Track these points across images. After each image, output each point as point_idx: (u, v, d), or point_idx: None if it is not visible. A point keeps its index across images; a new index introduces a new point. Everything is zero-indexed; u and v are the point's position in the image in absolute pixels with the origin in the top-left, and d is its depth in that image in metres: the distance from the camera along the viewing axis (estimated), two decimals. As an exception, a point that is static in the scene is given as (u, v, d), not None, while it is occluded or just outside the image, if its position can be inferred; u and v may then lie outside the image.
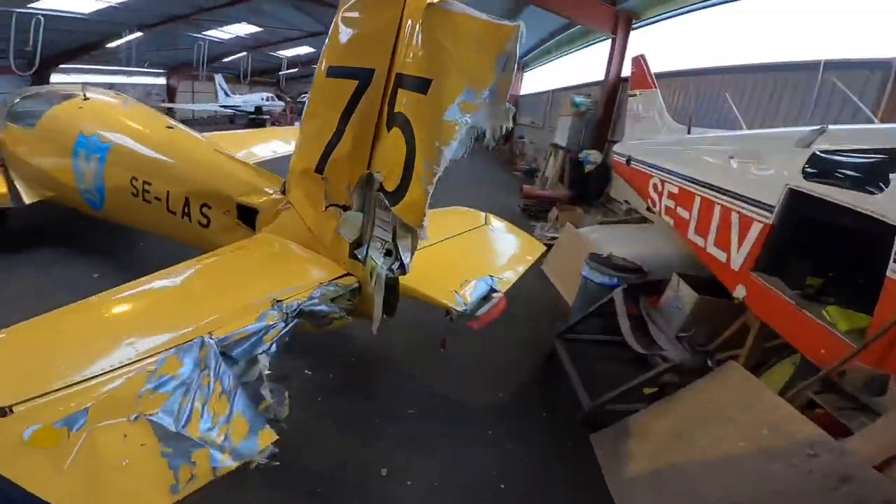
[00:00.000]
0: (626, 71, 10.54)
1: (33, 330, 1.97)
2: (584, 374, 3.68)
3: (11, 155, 5.82)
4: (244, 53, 23.15)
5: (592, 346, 4.27)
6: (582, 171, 11.79)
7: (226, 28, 19.95)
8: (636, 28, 11.85)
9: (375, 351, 4.31)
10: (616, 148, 8.10)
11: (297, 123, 19.84)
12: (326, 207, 2.64)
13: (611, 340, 4.09)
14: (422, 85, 2.12)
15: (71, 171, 4.78)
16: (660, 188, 6.04)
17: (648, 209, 7.04)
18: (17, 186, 5.66)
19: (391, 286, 2.59)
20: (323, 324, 2.48)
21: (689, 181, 5.06)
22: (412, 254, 2.53)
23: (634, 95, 8.33)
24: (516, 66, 2.01)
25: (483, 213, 4.50)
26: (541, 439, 3.51)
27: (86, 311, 2.13)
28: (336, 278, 2.56)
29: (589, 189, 11.60)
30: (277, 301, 2.25)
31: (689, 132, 6.66)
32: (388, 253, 2.49)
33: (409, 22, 2.18)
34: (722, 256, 4.17)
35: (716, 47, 8.85)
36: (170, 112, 25.35)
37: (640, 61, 8.17)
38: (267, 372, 2.07)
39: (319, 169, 2.60)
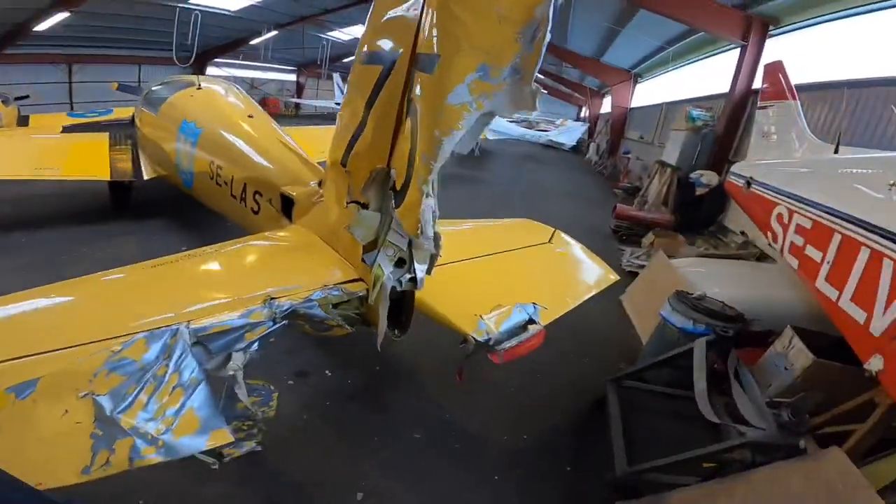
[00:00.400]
0: (758, 83, 9.09)
1: (44, 295, 2.03)
2: (636, 432, 3.01)
3: (140, 135, 6.70)
4: (364, 55, 24.69)
5: (656, 399, 3.52)
6: (692, 193, 10.43)
7: (346, 29, 21.45)
8: (773, 35, 10.23)
9: (404, 363, 4.04)
10: (735, 168, 6.90)
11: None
12: (348, 204, 2.44)
13: (682, 396, 3.32)
14: (430, 63, 1.81)
15: (174, 152, 5.29)
16: (786, 219, 4.91)
17: (769, 244, 5.86)
18: (141, 163, 6.48)
19: (403, 300, 2.32)
20: (321, 329, 2.28)
21: (828, 213, 3.98)
22: (430, 267, 2.24)
23: (765, 108, 7.07)
24: (549, 37, 1.62)
25: (551, 229, 4.02)
26: (553, 498, 2.96)
27: (82, 287, 2.16)
28: (344, 282, 2.34)
29: (698, 215, 10.21)
30: (271, 298, 2.10)
31: (835, 152, 5.40)
32: (399, 262, 2.21)
33: None
34: (859, 315, 3.17)
35: (879, 55, 7.22)
36: (297, 107, 28.13)
37: (776, 69, 6.91)
38: (239, 371, 1.94)
39: (344, 161, 2.41)
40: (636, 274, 6.67)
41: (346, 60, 26.03)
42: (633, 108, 19.55)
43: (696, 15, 10.38)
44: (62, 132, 11.07)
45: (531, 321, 2.62)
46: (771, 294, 4.98)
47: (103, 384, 1.68)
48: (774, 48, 10.08)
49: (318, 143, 8.39)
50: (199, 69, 20.10)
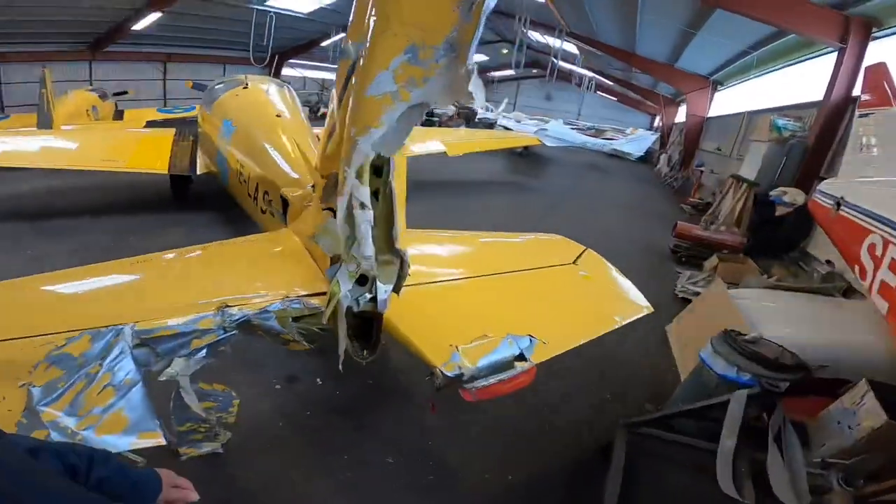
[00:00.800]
0: (859, 90, 7.90)
1: (31, 284, 2.14)
2: (643, 486, 2.59)
3: (200, 132, 7.09)
4: (429, 58, 25.04)
5: (675, 450, 3.00)
6: (770, 213, 9.30)
7: None
8: (876, 38, 8.87)
9: (400, 380, 3.79)
10: (823, 186, 5.89)
11: (462, 127, 20.74)
12: (323, 210, 2.29)
13: (708, 449, 2.75)
14: (357, 51, 1.61)
15: (217, 149, 5.51)
16: (880, 252, 4.06)
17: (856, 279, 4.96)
18: (197, 159, 6.85)
19: (367, 320, 2.11)
20: (279, 342, 2.13)
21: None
22: (395, 286, 2.01)
23: (865, 116, 6.04)
24: (492, 3, 1.34)
25: (581, 248, 3.58)
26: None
27: (51, 280, 2.18)
28: (307, 295, 2.18)
29: (776, 238, 9.05)
30: (226, 305, 1.99)
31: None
32: (362, 279, 2.01)
33: None
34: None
35: None
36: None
37: (879, 72, 5.86)
38: (180, 376, 1.89)
39: (320, 164, 2.26)
40: (690, 302, 6.01)
41: (413, 64, 26.52)
42: (710, 118, 18.02)
43: (786, 16, 9.25)
44: (145, 126, 12.20)
45: (521, 357, 2.26)
46: (849, 339, 4.23)
47: (42, 376, 1.70)
48: (877, 52, 8.74)
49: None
50: (276, 70, 21.33)
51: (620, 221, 10.63)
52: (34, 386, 1.67)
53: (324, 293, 2.20)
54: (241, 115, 4.98)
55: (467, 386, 2.05)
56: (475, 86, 1.33)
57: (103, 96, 13.77)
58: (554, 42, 15.11)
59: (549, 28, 16.64)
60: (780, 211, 9.14)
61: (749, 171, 10.44)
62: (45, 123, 10.27)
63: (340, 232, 2.07)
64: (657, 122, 28.28)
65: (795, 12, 9.15)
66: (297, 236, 2.64)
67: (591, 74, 24.61)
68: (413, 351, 2.16)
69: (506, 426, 3.44)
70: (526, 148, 16.81)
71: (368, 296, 1.99)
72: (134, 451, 1.68)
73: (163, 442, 1.74)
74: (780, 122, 10.20)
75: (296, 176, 3.26)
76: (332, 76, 24.03)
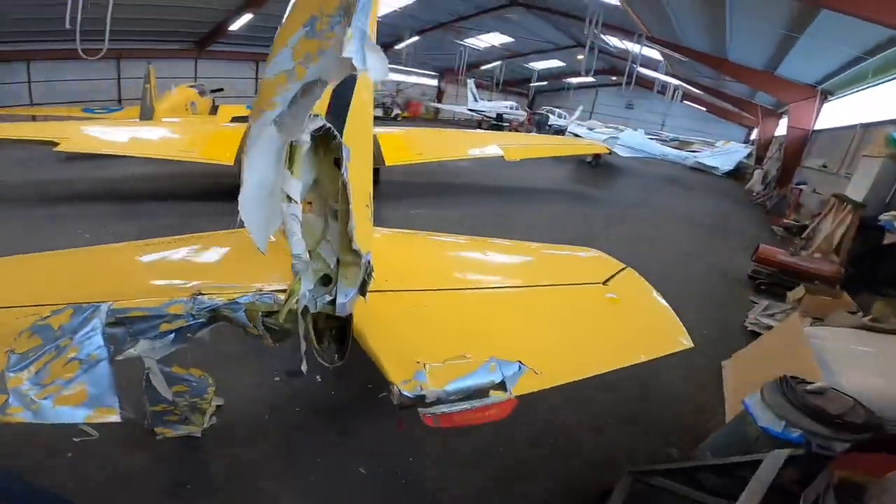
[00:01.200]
0: None
1: (51, 259, 2.36)
2: None
3: (266, 127, 7.54)
4: (499, 62, 24.88)
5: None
6: (878, 240, 8.04)
7: (482, 37, 21.80)
8: None
9: None
10: None
11: (533, 132, 20.30)
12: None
13: None
14: None
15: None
16: None
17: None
18: (262, 153, 7.29)
19: (339, 324, 2.02)
20: (249, 335, 2.11)
21: None
22: (358, 291, 1.90)
23: None
24: None
25: (619, 266, 3.16)
26: None
27: (90, 254, 2.42)
28: (280, 290, 2.12)
29: (881, 270, 7.80)
30: (199, 293, 2.00)
31: None
32: (326, 279, 1.92)
33: None
34: None
35: None
36: (436, 112, 29.57)
37: None
38: (140, 355, 1.94)
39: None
40: (759, 336, 5.31)
41: (483, 68, 26.45)
42: (815, 131, 15.97)
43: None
44: (231, 121, 13.26)
45: (501, 385, 1.98)
46: None
47: (24, 344, 1.78)
48: None
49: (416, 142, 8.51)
50: (354, 70, 22.39)
51: (695, 241, 9.69)
52: (14, 352, 1.75)
53: (291, 290, 2.16)
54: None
55: (428, 410, 1.86)
56: (356, 52, 1.12)
57: (202, 93, 15.16)
58: (633, 47, 14.19)
59: (627, 33, 15.75)
60: (889, 238, 7.86)
61: (856, 190, 9.10)
62: (147, 115, 11.54)
63: (312, 228, 2.02)
64: (755, 134, 25.75)
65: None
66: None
67: (676, 82, 22.95)
68: (376, 363, 2.00)
69: (500, 452, 3.15)
70: (597, 157, 16.00)
71: (328, 297, 1.89)
72: (92, 426, 1.75)
73: (118, 420, 1.73)
74: (900, 135, 8.78)
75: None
76: (405, 78, 24.76)
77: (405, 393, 1.84)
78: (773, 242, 9.82)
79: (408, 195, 9.50)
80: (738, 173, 19.96)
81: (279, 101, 1.37)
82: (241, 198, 1.63)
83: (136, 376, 2.26)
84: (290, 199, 1.69)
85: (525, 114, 26.77)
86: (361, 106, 2.48)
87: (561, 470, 3.12)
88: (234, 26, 16.54)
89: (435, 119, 28.41)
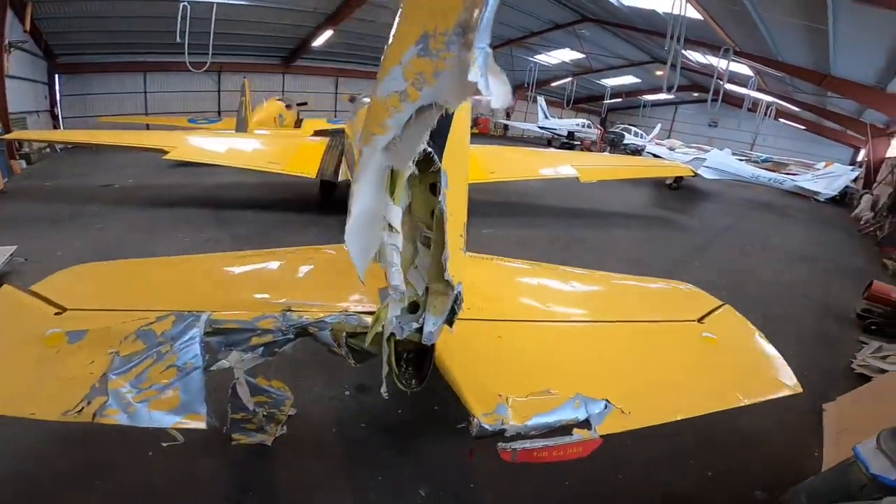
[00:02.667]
0: None
1: (153, 265, 2.55)
2: None
3: (346, 142, 7.86)
4: (569, 79, 24.31)
5: None
6: None
7: (552, 53, 21.44)
8: None
9: (468, 414, 3.55)
10: None
11: (606, 152, 19.57)
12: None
13: None
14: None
15: (354, 158, 6.02)
16: None
17: None
18: (341, 167, 7.61)
19: (421, 352, 2.00)
20: (332, 355, 2.14)
21: None
22: (447, 320, 1.87)
23: None
24: None
25: (716, 303, 2.97)
26: None
27: (191, 263, 2.60)
28: (364, 312, 2.15)
29: None
30: (289, 310, 2.07)
31: None
32: (413, 307, 1.90)
33: None
34: None
35: None
36: (504, 129, 29.47)
37: None
38: (232, 366, 2.03)
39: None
40: (869, 379, 4.85)
41: (553, 85, 25.98)
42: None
43: None
44: (313, 135, 14.04)
45: (585, 424, 1.90)
46: None
47: (128, 347, 1.90)
48: None
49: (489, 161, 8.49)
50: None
51: (792, 274, 8.77)
52: (119, 355, 1.87)
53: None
54: (361, 127, 5.33)
55: (506, 445, 1.79)
56: (481, 76, 1.01)
57: (289, 106, 16.23)
58: (718, 62, 13.25)
59: (711, 47, 14.77)
60: None
61: None
62: (242, 128, 12.52)
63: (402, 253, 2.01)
64: (862, 155, 23.06)
65: None
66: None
67: (769, 99, 21.16)
68: (457, 393, 1.96)
69: (565, 486, 2.99)
70: (678, 179, 15.06)
71: (415, 325, 1.87)
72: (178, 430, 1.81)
73: (203, 427, 1.80)
74: None
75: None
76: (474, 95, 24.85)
77: (485, 426, 1.80)
78: (885, 278, 8.65)
79: (479, 213, 9.47)
80: (843, 199, 17.93)
81: (392, 124, 1.31)
82: (348, 225, 1.64)
83: (221, 383, 2.37)
84: (391, 227, 1.68)
85: (597, 132, 25.92)
86: (461, 129, 2.42)
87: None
88: (317, 42, 17.56)
89: (504, 136, 28.28)
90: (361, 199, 1.61)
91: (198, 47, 11.96)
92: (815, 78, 15.08)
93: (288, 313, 2.05)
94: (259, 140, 9.24)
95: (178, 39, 11.53)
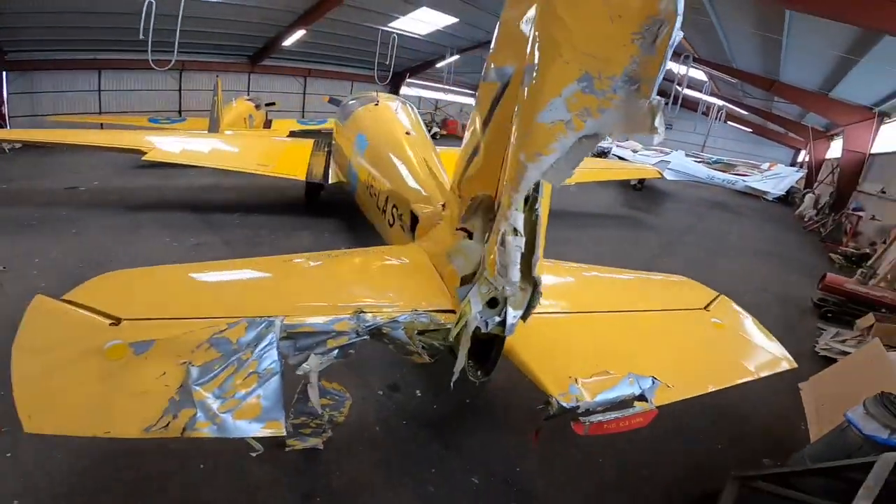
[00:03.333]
0: None
1: (197, 270, 2.47)
2: None
3: (334, 144, 7.80)
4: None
5: None
6: (952, 273, 7.77)
7: None
8: None
9: (496, 402, 3.79)
10: None
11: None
12: (457, 230, 2.38)
13: None
14: (527, 76, 1.58)
15: (349, 161, 6.02)
16: None
17: None
18: (330, 168, 7.54)
19: (495, 341, 2.14)
20: (402, 352, 2.25)
21: None
22: (525, 313, 2.02)
23: None
24: (679, 35, 1.28)
25: (714, 294, 3.36)
26: None
27: (237, 267, 2.56)
28: (435, 311, 2.27)
29: (954, 303, 7.55)
30: (361, 311, 2.15)
31: None
32: (493, 302, 2.05)
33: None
34: None
35: None
36: (473, 130, 29.70)
37: None
38: (311, 371, 2.04)
39: (459, 184, 2.36)
40: (832, 361, 5.42)
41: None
42: (873, 154, 15.43)
43: None
44: (288, 135, 13.74)
45: (641, 397, 2.17)
46: None
47: (201, 356, 1.88)
48: None
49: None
50: (394, 88, 22.82)
51: (751, 268, 9.50)
52: (192, 365, 1.84)
53: (449, 310, 2.29)
54: (373, 130, 5.39)
55: (582, 419, 2.00)
56: (660, 121, 1.26)
57: (258, 106, 15.82)
58: (678, 68, 14.11)
59: (673, 54, 15.68)
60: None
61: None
62: (215, 128, 12.12)
63: (472, 254, 2.15)
64: (802, 156, 24.96)
65: None
66: (426, 252, 2.78)
67: (720, 103, 22.55)
68: (531, 377, 2.16)
69: (599, 463, 3.29)
70: (641, 181, 15.84)
71: (497, 319, 2.02)
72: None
73: (283, 433, 1.82)
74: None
75: (426, 193, 3.44)
76: (444, 97, 25.04)
77: (563, 404, 2.02)
78: (833, 271, 9.58)
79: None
80: (787, 198, 19.37)
81: (557, 147, 1.48)
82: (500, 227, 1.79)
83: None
84: (516, 231, 1.80)
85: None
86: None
87: (659, 477, 3.28)
88: (287, 42, 17.17)
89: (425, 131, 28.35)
90: (514, 209, 1.71)
91: (159, 45, 11.41)
92: (764, 84, 16.24)
93: (361, 315, 2.13)
94: (243, 141, 9.01)
95: (141, 36, 10.99)
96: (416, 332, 2.19)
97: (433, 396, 3.69)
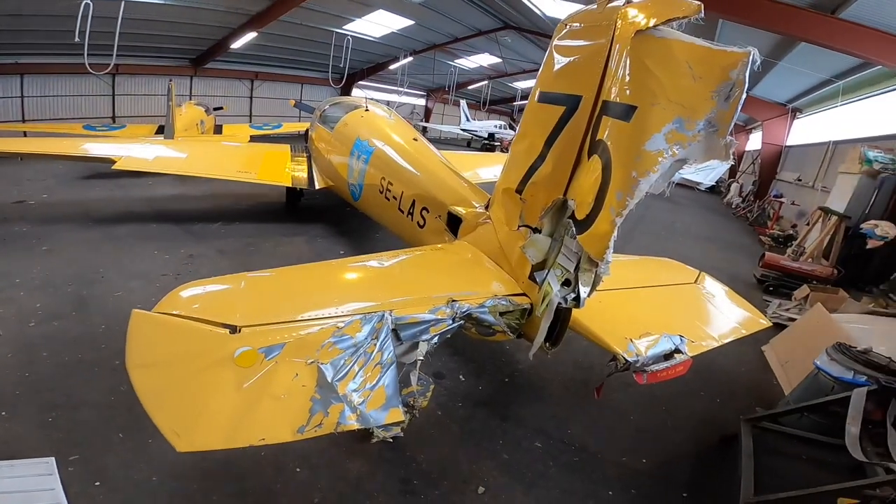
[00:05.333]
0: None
1: (279, 276, 2.59)
2: (766, 471, 2.98)
3: (315, 149, 7.83)
4: (485, 82, 25.77)
5: (792, 443, 3.42)
6: (861, 246, 9.15)
7: (472, 58, 22.62)
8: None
9: (531, 377, 4.25)
10: None
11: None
12: (519, 227, 2.74)
13: (823, 443, 3.28)
14: (626, 112, 2.01)
15: (346, 166, 6.14)
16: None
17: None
18: (314, 174, 7.58)
19: (561, 316, 2.53)
20: (486, 333, 2.58)
21: None
22: (592, 289, 2.42)
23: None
24: (744, 96, 1.74)
25: (696, 271, 3.99)
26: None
27: (317, 270, 2.75)
28: (510, 295, 2.63)
29: (867, 270, 8.94)
30: (453, 300, 2.45)
31: None
32: (566, 283, 2.44)
33: (618, 49, 2.09)
34: None
35: None
36: (424, 131, 30.20)
37: None
38: (421, 359, 2.26)
39: (520, 189, 2.72)
40: (782, 326, 6.24)
41: (470, 88, 27.22)
42: (789, 146, 17.51)
43: (873, 48, 9.15)
44: (250, 141, 13.36)
45: (678, 351, 2.71)
46: None
47: (326, 354, 2.00)
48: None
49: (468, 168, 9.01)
50: (346, 90, 22.68)
51: (700, 252, 10.62)
52: (321, 363, 1.93)
53: (520, 294, 2.66)
54: (378, 136, 5.59)
55: (643, 370, 2.51)
56: (731, 150, 1.79)
57: (207, 111, 15.21)
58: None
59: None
60: (871, 244, 8.96)
61: (838, 203, 10.23)
62: (170, 134, 11.59)
63: (542, 245, 2.53)
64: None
65: (882, 44, 9.06)
66: (477, 247, 3.12)
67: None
68: (596, 341, 2.66)
69: (630, 421, 3.89)
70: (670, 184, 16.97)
71: (572, 295, 2.40)
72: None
73: (404, 420, 1.97)
74: (872, 154, 10.00)
75: (460, 196, 3.76)
76: (395, 98, 25.10)
77: (628, 359, 2.52)
78: (766, 250, 10.91)
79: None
80: (717, 187, 21.39)
81: (659, 168, 1.92)
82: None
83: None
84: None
85: (513, 133, 27.56)
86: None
87: (680, 426, 3.92)
88: (237, 44, 16.60)
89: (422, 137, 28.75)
90: (627, 210, 2.07)
91: (93, 47, 10.71)
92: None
93: (454, 303, 2.43)
94: (220, 148, 8.81)
95: (76, 39, 10.32)
96: (498, 314, 2.54)
97: (475, 379, 4.05)
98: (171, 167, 7.07)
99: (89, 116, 16.21)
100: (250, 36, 15.96)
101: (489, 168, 9.94)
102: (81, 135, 12.63)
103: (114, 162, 6.70)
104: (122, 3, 11.43)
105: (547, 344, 2.62)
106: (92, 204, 8.31)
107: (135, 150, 7.11)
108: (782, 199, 15.36)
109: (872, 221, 9.25)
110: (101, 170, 9.13)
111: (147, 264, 5.85)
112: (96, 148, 7.17)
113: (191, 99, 17.30)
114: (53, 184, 9.48)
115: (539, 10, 15.79)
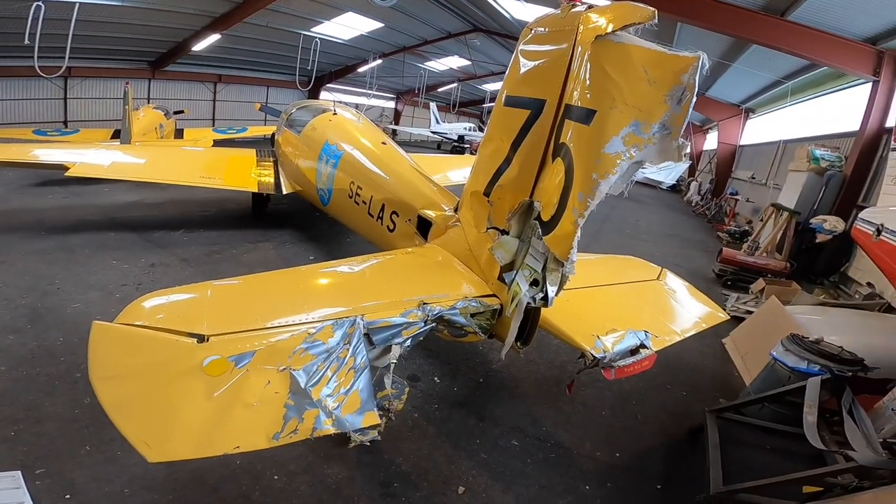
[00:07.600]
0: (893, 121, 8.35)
1: (247, 283, 2.57)
2: (732, 460, 3.15)
3: (282, 153, 7.68)
4: (455, 84, 25.99)
5: (755, 433, 3.63)
6: (811, 240, 9.71)
7: (442, 60, 22.82)
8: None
9: (504, 378, 4.31)
10: (865, 214, 6.42)
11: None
12: (487, 229, 2.79)
13: (784, 432, 3.48)
14: (586, 116, 2.09)
15: (315, 171, 6.04)
16: (919, 270, 4.64)
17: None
18: (281, 179, 7.43)
19: (531, 315, 2.59)
20: (458, 334, 2.62)
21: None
22: (559, 288, 2.49)
23: (897, 150, 6.53)
24: (694, 99, 1.85)
25: (659, 268, 4.14)
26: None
27: (286, 277, 2.71)
28: (481, 296, 2.68)
29: (817, 263, 9.49)
30: (424, 303, 2.47)
31: None
32: (534, 283, 2.50)
33: (579, 53, 2.17)
34: None
35: None
36: (393, 133, 30.11)
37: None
38: (394, 362, 2.27)
39: (487, 192, 2.77)
40: (741, 319, 6.49)
41: (440, 90, 27.36)
42: (743, 146, 18.38)
43: (819, 50, 9.76)
44: (213, 145, 12.97)
45: (643, 346, 2.82)
46: (894, 345, 4.64)
47: (298, 360, 1.99)
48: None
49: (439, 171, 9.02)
50: (314, 93, 22.41)
51: (662, 249, 11.02)
52: (293, 370, 1.92)
53: (491, 295, 2.70)
54: (346, 140, 5.54)
55: (612, 365, 2.60)
56: (684, 153, 1.92)
57: (167, 114, 14.69)
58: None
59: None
60: (820, 238, 9.52)
61: (789, 199, 10.78)
62: (126, 139, 11.14)
63: (510, 247, 2.59)
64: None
65: (828, 46, 9.67)
66: (447, 249, 3.15)
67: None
68: (564, 339, 2.75)
69: (602, 416, 4.00)
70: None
71: (540, 295, 2.46)
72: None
73: (379, 423, 1.98)
74: (818, 152, 10.60)
75: (429, 199, 3.79)
76: (364, 101, 24.96)
77: (595, 355, 2.62)
78: (724, 246, 11.42)
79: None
80: (677, 186, 22.20)
81: (618, 170, 2.01)
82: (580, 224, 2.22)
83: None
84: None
85: (482, 135, 27.81)
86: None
87: (650, 420, 4.06)
88: (199, 46, 16.15)
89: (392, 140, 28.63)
90: (588, 211, 2.15)
91: (45, 50, 10.20)
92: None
93: (425, 305, 2.45)
94: (182, 153, 8.51)
95: (26, 41, 9.83)
96: (469, 315, 2.57)
97: (451, 380, 4.09)
98: (129, 173, 6.78)
99: (39, 121, 15.45)
100: (213, 38, 15.58)
101: (459, 171, 9.96)
102: (31, 140, 12.00)
103: (67, 168, 6.41)
104: (77, 4, 10.96)
105: (518, 343, 2.67)
106: (45, 212, 7.90)
107: (89, 156, 6.80)
108: (738, 197, 16.09)
109: (821, 217, 9.84)
110: (54, 177, 8.69)
111: (105, 275, 5.61)
112: (47, 154, 6.83)
113: (149, 102, 16.73)
114: (3, 192, 8.96)
115: (507, 12, 16.05)
